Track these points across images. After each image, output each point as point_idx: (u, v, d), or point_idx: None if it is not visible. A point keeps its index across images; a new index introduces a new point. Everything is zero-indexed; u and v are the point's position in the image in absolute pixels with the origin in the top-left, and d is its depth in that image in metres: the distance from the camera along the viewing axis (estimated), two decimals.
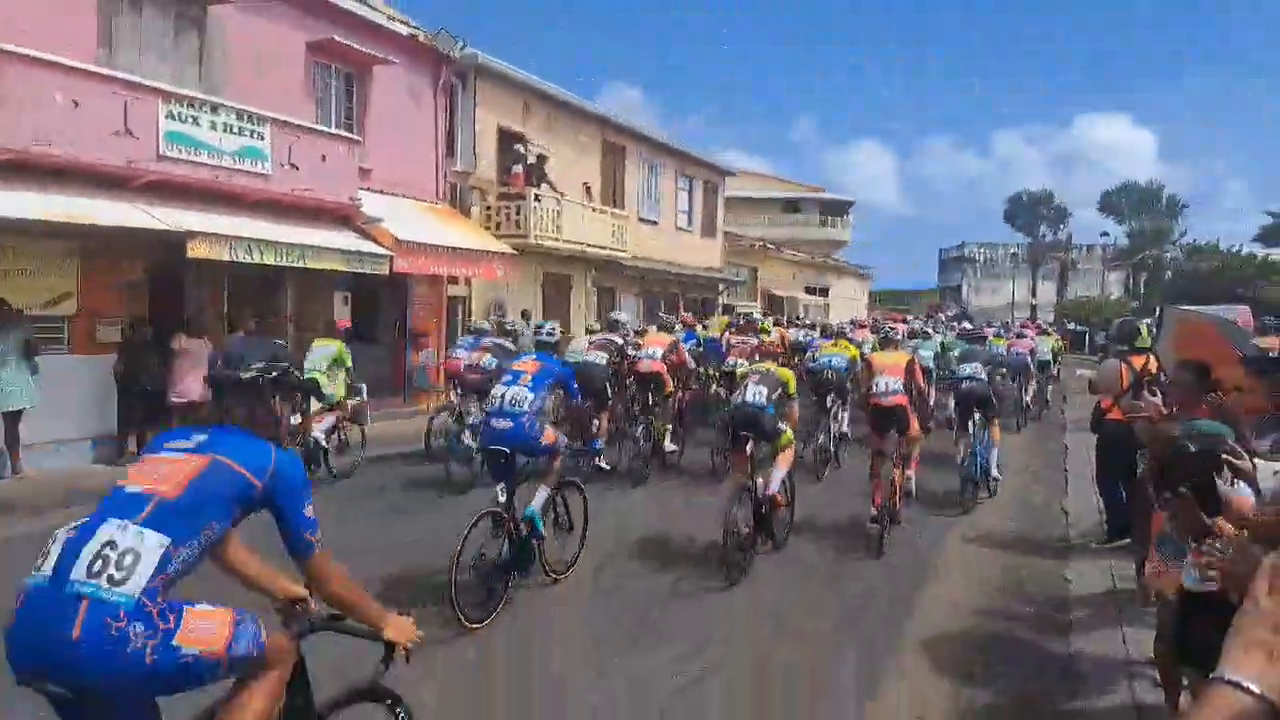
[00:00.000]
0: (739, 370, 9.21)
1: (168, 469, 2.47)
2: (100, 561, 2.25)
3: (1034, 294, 70.25)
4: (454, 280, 16.64)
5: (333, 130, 13.85)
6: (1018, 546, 8.04)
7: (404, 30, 16.00)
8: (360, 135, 14.46)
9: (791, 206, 49.29)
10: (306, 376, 9.81)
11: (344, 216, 13.63)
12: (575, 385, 7.08)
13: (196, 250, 10.49)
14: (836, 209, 51.40)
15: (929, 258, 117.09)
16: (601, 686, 4.76)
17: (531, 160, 18.74)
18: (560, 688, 4.71)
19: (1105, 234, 58.95)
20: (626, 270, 22.79)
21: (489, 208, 18.26)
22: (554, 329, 8.11)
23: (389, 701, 2.94)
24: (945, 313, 31.84)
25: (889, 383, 8.15)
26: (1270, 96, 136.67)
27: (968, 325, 20.31)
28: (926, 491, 9.61)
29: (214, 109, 11.29)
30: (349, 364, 10.45)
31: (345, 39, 14.28)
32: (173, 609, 2.28)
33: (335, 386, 10.33)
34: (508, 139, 18.88)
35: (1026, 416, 15.47)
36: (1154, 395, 5.56)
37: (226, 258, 10.95)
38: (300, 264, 12.03)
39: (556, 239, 18.81)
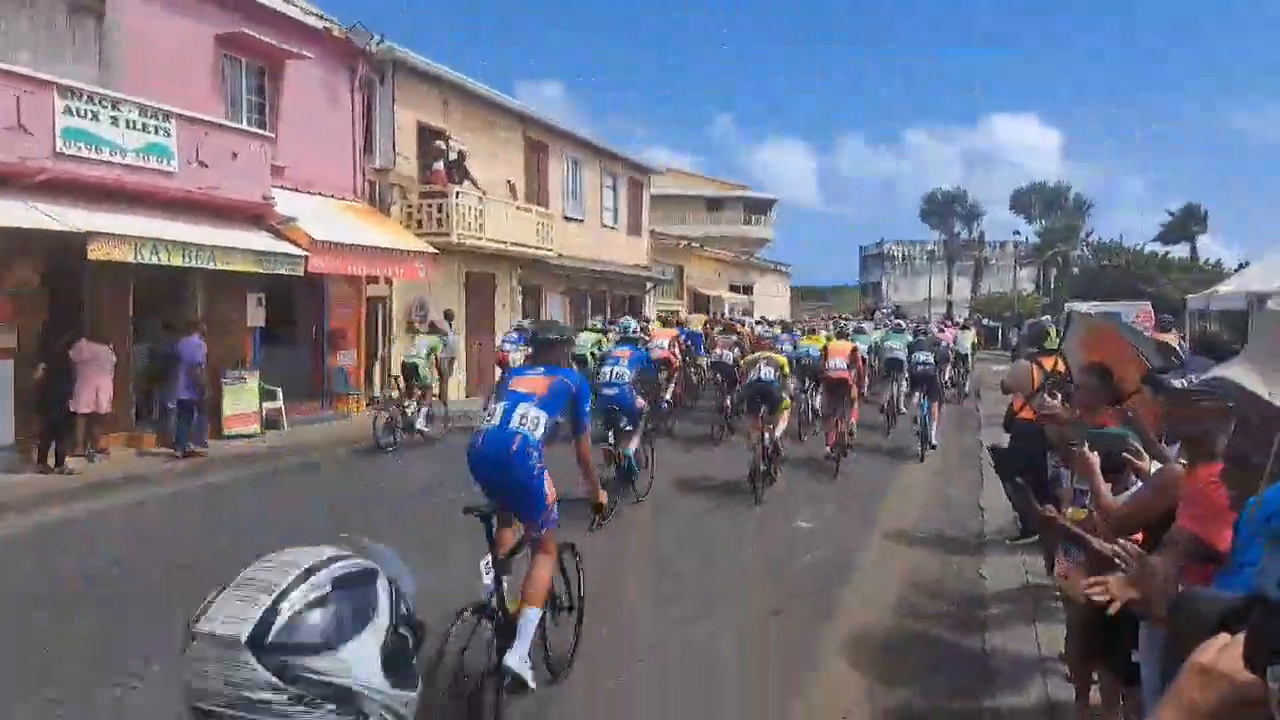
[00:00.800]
0: (747, 359, 11.53)
1: (535, 382, 4.83)
2: (522, 419, 4.64)
3: (950, 290, 72.33)
4: (374, 280, 16.26)
5: (244, 127, 13.39)
6: (936, 543, 8.23)
7: (318, 24, 15.55)
8: (273, 132, 14.02)
9: (715, 205, 49.70)
10: (409, 362, 13.31)
11: (256, 215, 13.18)
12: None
13: (97, 252, 10.02)
14: (759, 207, 52.04)
15: (847, 255, 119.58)
16: (678, 557, 7.65)
17: (453, 157, 18.44)
18: (651, 555, 7.73)
19: (1017, 232, 60.97)
20: (552, 269, 22.64)
21: (410, 206, 17.91)
22: (640, 327, 13.90)
23: (572, 545, 5.08)
24: (882, 311, 34.71)
25: (837, 363, 11.63)
26: (1168, 97, 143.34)
27: (900, 321, 22.89)
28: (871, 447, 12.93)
29: (115, 104, 10.79)
30: (439, 355, 13.64)
31: (256, 32, 13.81)
32: (542, 459, 4.64)
33: (431, 371, 13.40)
34: (428, 136, 18.53)
35: (943, 399, 15.90)
36: (1053, 398, 5.73)
37: (130, 259, 10.48)
38: (210, 265, 11.59)
39: (479, 237, 18.56)
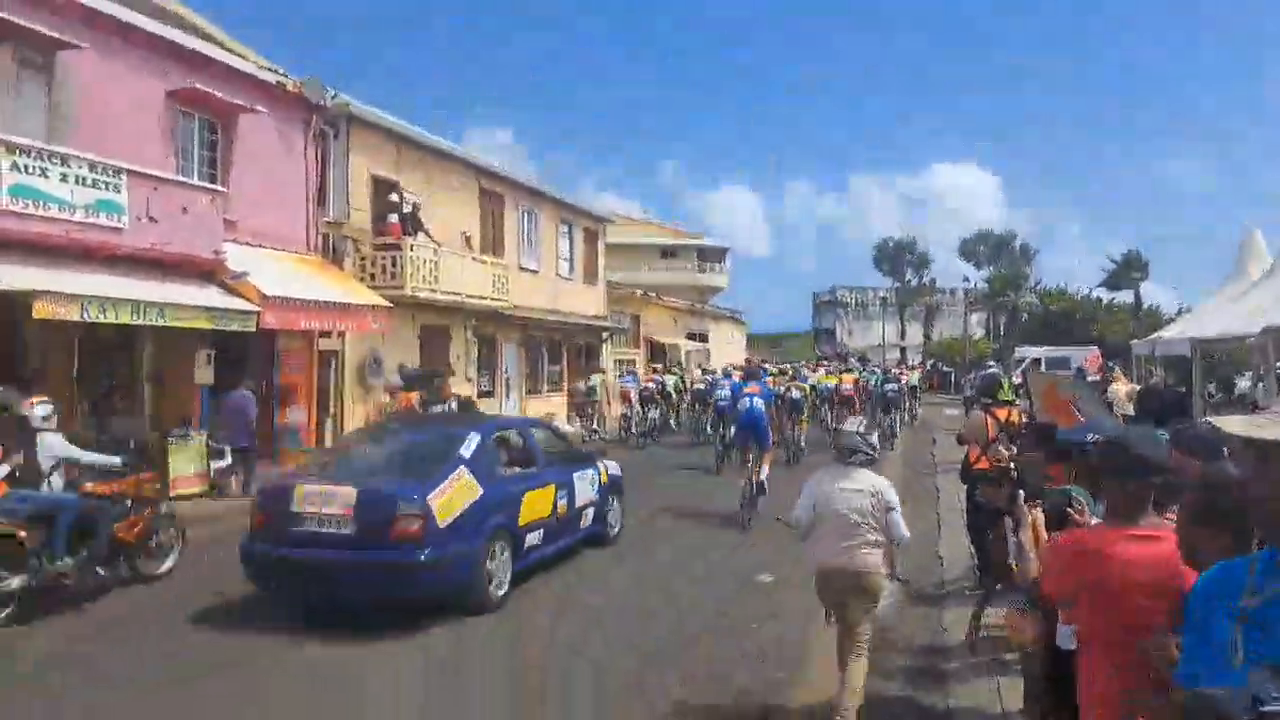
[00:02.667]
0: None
1: (754, 389, 13.25)
2: (750, 400, 12.96)
3: (903, 335, 73.55)
4: (326, 334, 16.08)
5: (195, 181, 13.27)
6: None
7: (271, 78, 15.54)
8: (225, 186, 13.89)
9: (670, 253, 50.24)
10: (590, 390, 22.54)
11: (207, 271, 13.00)
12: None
13: (43, 311, 9.79)
14: (713, 256, 52.68)
15: (799, 301, 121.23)
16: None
17: (407, 209, 18.41)
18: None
19: (966, 279, 62.41)
20: (508, 319, 22.59)
21: (363, 258, 17.80)
22: (768, 368, 20.12)
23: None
24: (852, 357, 43.32)
25: (847, 387, 22.00)
26: (1102, 146, 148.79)
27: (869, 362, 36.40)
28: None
29: (64, 160, 10.63)
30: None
31: (208, 87, 13.75)
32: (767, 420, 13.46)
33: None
34: (382, 187, 18.51)
35: (901, 423, 23.65)
36: (1007, 450, 5.82)
37: (76, 317, 10.26)
38: (160, 322, 11.38)
39: (434, 289, 18.48)
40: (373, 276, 17.56)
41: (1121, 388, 14.94)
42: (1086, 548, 2.82)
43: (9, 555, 7.09)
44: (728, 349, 45.02)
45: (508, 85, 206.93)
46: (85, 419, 12.14)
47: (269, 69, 15.72)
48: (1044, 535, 3.67)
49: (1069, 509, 3.53)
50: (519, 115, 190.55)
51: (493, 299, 20.78)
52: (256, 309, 12.94)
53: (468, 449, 8.03)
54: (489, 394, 22.61)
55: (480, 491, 7.77)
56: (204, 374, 13.31)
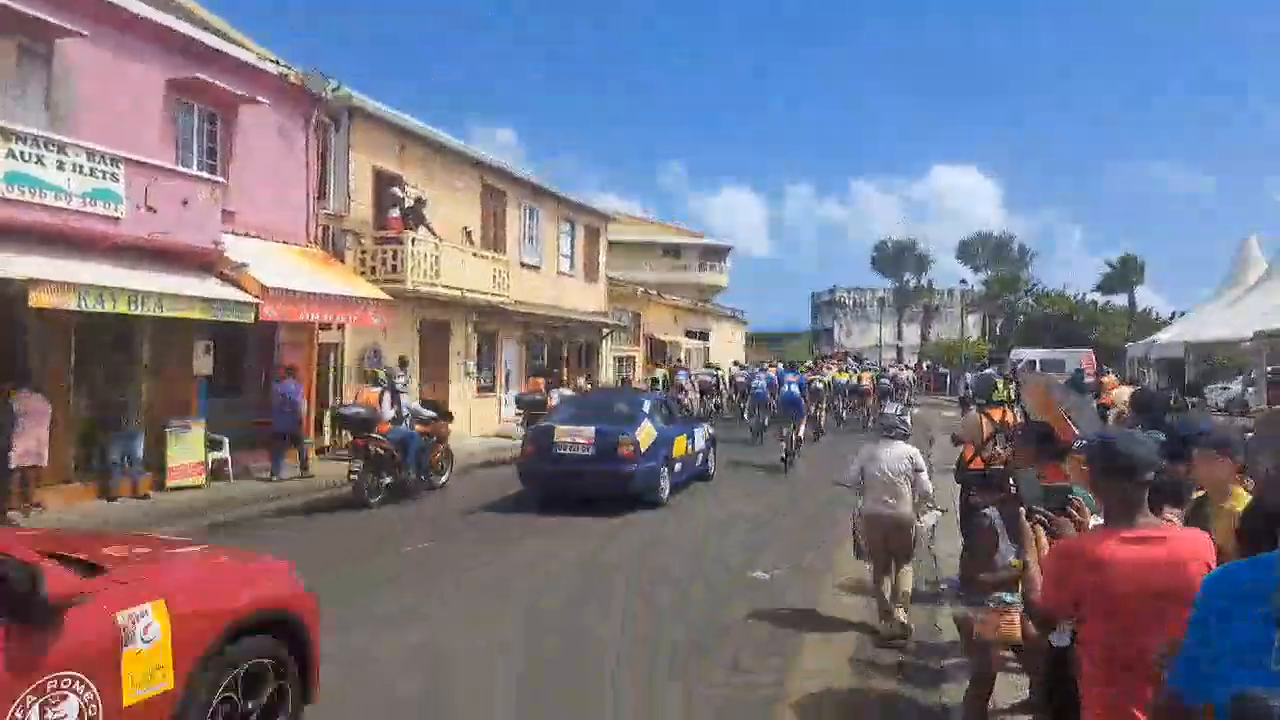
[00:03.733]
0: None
1: (793, 377, 19.81)
2: (790, 386, 18.56)
3: (900, 336, 73.60)
4: (326, 327, 16.06)
5: (194, 172, 13.23)
6: (903, 630, 8.22)
7: (273, 69, 15.50)
8: (225, 177, 13.85)
9: (672, 252, 50.17)
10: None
11: (206, 262, 12.97)
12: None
13: (40, 300, 9.76)
14: (715, 254, 52.62)
15: (797, 301, 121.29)
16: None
17: (410, 203, 18.39)
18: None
19: (964, 281, 62.46)
20: (509, 315, 22.58)
21: (364, 252, 17.79)
22: (800, 365, 26.36)
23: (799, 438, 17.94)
24: (852, 357, 45.57)
25: (865, 384, 27.78)
26: (1101, 152, 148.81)
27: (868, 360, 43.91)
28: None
29: (61, 148, 10.59)
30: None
31: (210, 77, 13.72)
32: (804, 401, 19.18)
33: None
34: (384, 181, 18.49)
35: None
36: (1003, 450, 5.81)
37: (74, 306, 10.22)
38: (157, 313, 11.35)
39: (434, 284, 18.46)
40: (373, 270, 17.54)
41: (1126, 391, 15.04)
42: (1084, 555, 2.81)
43: (388, 464, 12.40)
44: (728, 348, 45.01)
45: (508, 86, 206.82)
46: (81, 408, 12.12)
47: (271, 60, 15.67)
48: (1045, 545, 3.65)
49: (1069, 508, 3.51)
50: (518, 117, 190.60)
51: (493, 294, 20.77)
52: (256, 300, 12.91)
53: (648, 408, 13.36)
54: (489, 389, 22.61)
55: (656, 434, 12.71)
56: (203, 364, 13.29)
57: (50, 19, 11.21)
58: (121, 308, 10.76)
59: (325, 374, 16.63)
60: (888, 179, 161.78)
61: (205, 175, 13.29)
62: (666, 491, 12.77)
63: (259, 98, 14.75)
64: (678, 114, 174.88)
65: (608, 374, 29.80)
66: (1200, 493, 3.97)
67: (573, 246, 27.84)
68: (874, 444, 7.33)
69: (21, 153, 10.11)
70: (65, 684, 3.27)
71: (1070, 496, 3.36)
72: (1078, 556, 2.83)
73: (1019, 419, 7.33)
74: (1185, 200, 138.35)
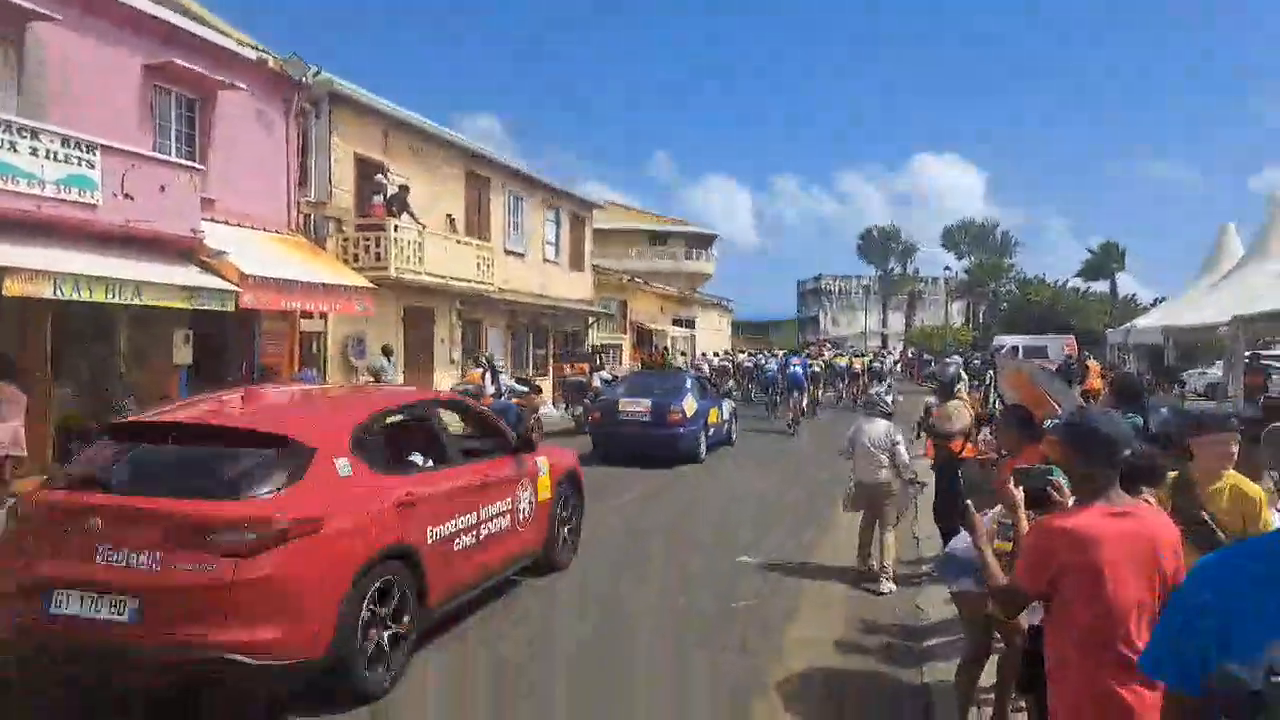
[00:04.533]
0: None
1: (797, 360, 24.97)
2: (795, 368, 23.61)
3: (885, 323, 73.86)
4: (308, 315, 15.93)
5: (172, 158, 13.06)
6: (873, 575, 8.26)
7: (252, 54, 15.31)
8: (204, 164, 13.70)
9: (657, 239, 50.02)
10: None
11: (185, 249, 12.82)
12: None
13: (13, 288, 9.61)
14: (701, 242, 52.50)
15: (783, 290, 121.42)
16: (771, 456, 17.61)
17: (393, 190, 18.25)
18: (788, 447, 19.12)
19: (948, 268, 62.69)
20: (494, 302, 22.49)
21: (346, 239, 17.65)
22: (802, 352, 32.38)
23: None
24: (829, 345, 50.01)
25: (857, 368, 31.51)
26: (1082, 143, 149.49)
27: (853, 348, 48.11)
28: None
29: (34, 134, 10.41)
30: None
31: (187, 62, 13.53)
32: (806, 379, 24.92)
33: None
34: (367, 168, 18.34)
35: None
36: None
37: (50, 295, 10.08)
38: (136, 301, 11.22)
39: (418, 271, 18.35)
40: (356, 258, 17.41)
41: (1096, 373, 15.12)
42: (1068, 530, 2.80)
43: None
44: (714, 336, 45.06)
45: (493, 76, 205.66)
46: (60, 399, 11.98)
47: (249, 45, 15.48)
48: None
49: (1049, 489, 3.51)
50: (502, 102, 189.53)
51: (478, 282, 20.66)
52: (236, 288, 12.79)
53: (689, 385, 16.82)
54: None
55: (697, 405, 16.15)
56: (182, 354, 13.16)
57: (22, 1, 11.03)
58: (99, 296, 10.63)
59: (310, 363, 16.50)
60: (872, 168, 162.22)
61: (183, 162, 13.12)
62: (704, 450, 16.18)
63: (237, 83, 14.58)
64: (662, 104, 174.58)
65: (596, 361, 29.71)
66: (1174, 474, 3.95)
67: (558, 234, 27.73)
68: (863, 419, 8.56)
69: None
70: (526, 483, 7.53)
71: (1050, 478, 3.35)
72: (1061, 534, 2.82)
73: (979, 406, 7.58)
74: (1168, 191, 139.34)
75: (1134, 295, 52.45)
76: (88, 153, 11.00)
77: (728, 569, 8.46)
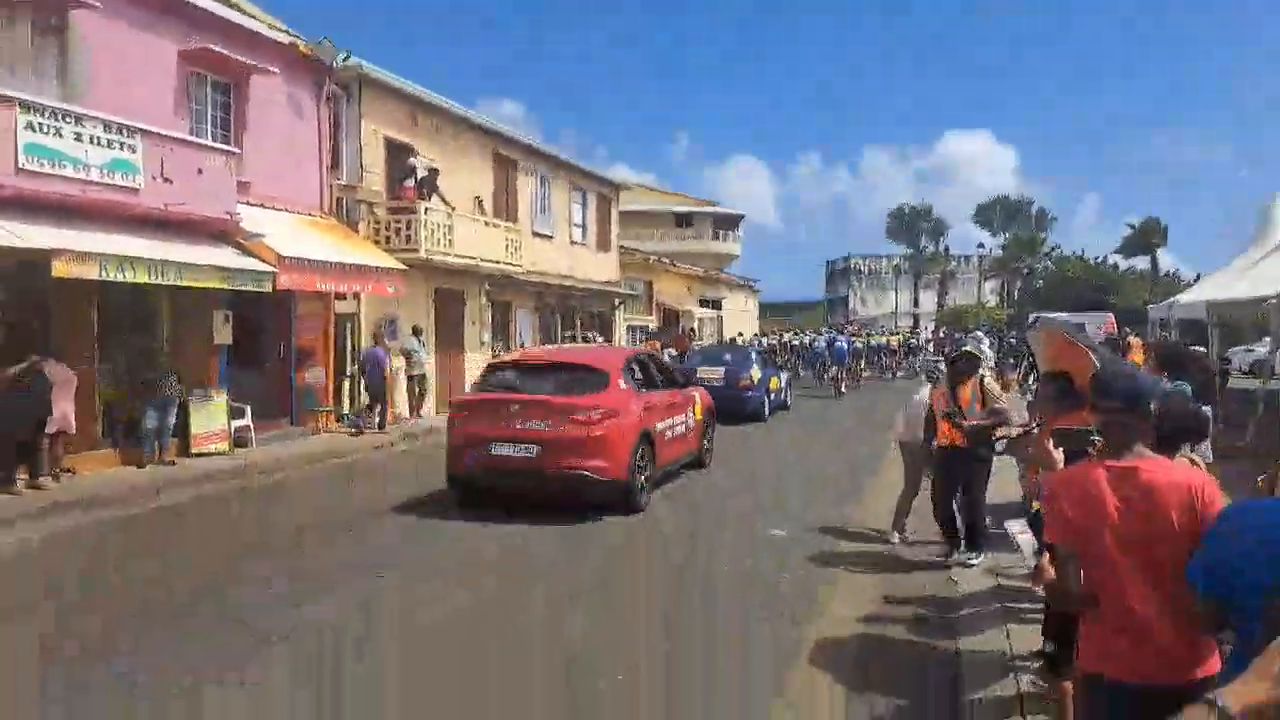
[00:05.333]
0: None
1: (843, 338, 30.87)
2: (840, 344, 28.63)
3: (916, 304, 73.14)
4: (341, 297, 16.16)
5: (209, 142, 13.28)
6: (906, 552, 8.32)
7: (284, 39, 15.49)
8: (238, 147, 13.91)
9: (684, 221, 49.91)
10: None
11: (222, 232, 13.07)
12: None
13: (62, 270, 9.88)
14: (727, 223, 52.34)
15: (811, 271, 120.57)
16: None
17: (423, 173, 18.39)
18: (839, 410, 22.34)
19: (981, 245, 61.83)
20: (522, 284, 22.63)
21: (377, 222, 17.83)
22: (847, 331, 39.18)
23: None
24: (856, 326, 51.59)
25: (894, 344, 38.33)
26: (1118, 117, 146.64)
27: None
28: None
29: (78, 120, 10.66)
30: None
31: (221, 48, 13.73)
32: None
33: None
34: (396, 151, 18.50)
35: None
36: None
37: (95, 276, 10.34)
38: (177, 282, 11.47)
39: (448, 253, 18.51)
40: (387, 240, 17.59)
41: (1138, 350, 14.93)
42: (1075, 485, 2.80)
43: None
44: (741, 317, 44.96)
45: (516, 58, 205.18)
46: (106, 377, 12.27)
47: (280, 30, 15.66)
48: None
49: (1090, 450, 3.53)
50: (526, 87, 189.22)
51: (506, 263, 20.80)
52: (273, 270, 13.01)
53: (754, 356, 20.39)
54: None
55: (761, 373, 19.39)
56: (223, 335, 13.43)
57: None
58: (141, 277, 10.88)
59: (343, 344, 16.75)
60: (900, 146, 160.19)
61: (219, 146, 13.35)
62: (768, 412, 19.38)
63: (270, 68, 14.76)
64: (686, 85, 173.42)
65: (622, 342, 29.82)
66: None
67: (584, 216, 27.79)
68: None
69: (39, 124, 10.19)
70: (690, 408, 11.94)
71: (1091, 439, 3.35)
72: (1068, 487, 2.83)
73: (981, 387, 7.49)
74: (1210, 169, 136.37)
75: (1175, 271, 51.51)
76: (129, 138, 11.24)
77: (799, 483, 12.16)
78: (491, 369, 10.69)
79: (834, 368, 27.16)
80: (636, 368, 10.79)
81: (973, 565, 7.49)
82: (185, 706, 4.86)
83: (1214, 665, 2.58)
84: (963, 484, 7.76)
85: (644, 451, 9.86)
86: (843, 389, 25.99)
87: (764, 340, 34.99)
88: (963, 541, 7.78)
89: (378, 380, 16.07)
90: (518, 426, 9.29)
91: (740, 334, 36.82)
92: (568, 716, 4.88)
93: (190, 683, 5.11)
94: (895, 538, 8.52)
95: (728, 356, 20.06)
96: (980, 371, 7.81)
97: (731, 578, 7.40)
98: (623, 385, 9.89)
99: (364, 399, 16.52)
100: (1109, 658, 2.72)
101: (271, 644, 5.76)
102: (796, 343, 35.28)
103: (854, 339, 32.33)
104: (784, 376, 21.94)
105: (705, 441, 12.53)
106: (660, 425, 10.51)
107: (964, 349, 8.33)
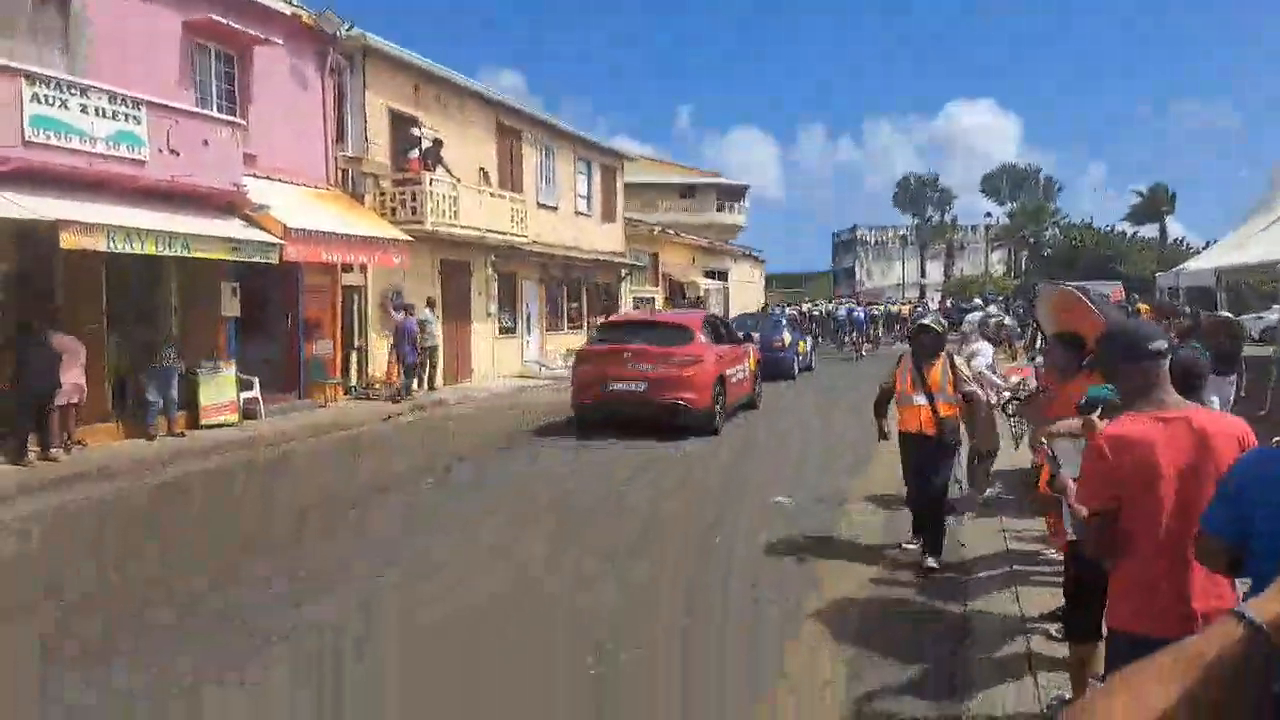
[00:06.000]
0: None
1: (859, 309, 35.71)
2: (857, 313, 34.44)
3: (923, 274, 72.89)
4: (348, 268, 16.17)
5: (214, 114, 13.24)
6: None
7: (287, 10, 15.37)
8: (243, 119, 13.86)
9: (689, 192, 49.65)
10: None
11: (229, 203, 13.06)
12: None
13: (69, 241, 9.89)
14: (732, 194, 52.05)
15: (817, 241, 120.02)
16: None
17: (428, 144, 18.32)
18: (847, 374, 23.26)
19: (988, 214, 61.41)
20: (527, 255, 22.60)
21: (383, 193, 17.80)
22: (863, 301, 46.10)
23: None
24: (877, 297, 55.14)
25: (905, 311, 38.31)
26: (1123, 86, 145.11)
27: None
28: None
29: (84, 92, 10.63)
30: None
31: (224, 18, 13.64)
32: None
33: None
34: (400, 123, 18.41)
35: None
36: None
37: (103, 247, 10.36)
38: (184, 253, 11.49)
39: (454, 224, 18.48)
40: (393, 211, 17.57)
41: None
42: (1118, 436, 2.74)
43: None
44: (747, 288, 44.84)
45: (517, 28, 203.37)
46: (115, 349, 12.32)
47: (284, 0, 15.53)
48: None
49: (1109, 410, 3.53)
50: (526, 54, 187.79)
51: (512, 234, 20.76)
52: (279, 241, 13.02)
53: (785, 323, 23.81)
54: (511, 331, 22.75)
55: (792, 337, 22.39)
56: (231, 307, 13.46)
57: None
58: (149, 248, 10.89)
59: (350, 316, 16.79)
60: (903, 117, 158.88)
61: (225, 117, 13.31)
62: (797, 370, 22.06)
63: (273, 38, 14.67)
64: (687, 56, 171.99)
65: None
66: None
67: (589, 187, 27.68)
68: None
69: (45, 96, 10.16)
70: (746, 360, 15.25)
71: (1111, 398, 3.34)
72: (1112, 441, 2.75)
73: (1029, 350, 7.41)
74: (1215, 137, 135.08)
75: (1183, 239, 51.17)
76: (135, 109, 11.21)
77: (835, 418, 14.38)
78: (604, 326, 15.57)
79: (854, 334, 31.34)
80: (710, 326, 14.09)
81: (911, 549, 7.00)
82: (185, 702, 4.94)
83: None
84: (929, 472, 6.92)
85: (719, 389, 12.93)
86: (862, 352, 29.37)
87: (787, 310, 36.22)
88: (910, 530, 7.19)
89: (410, 350, 16.54)
90: (629, 368, 12.57)
91: (763, 303, 40.44)
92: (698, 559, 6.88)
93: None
94: (979, 497, 8.10)
95: (762, 322, 22.87)
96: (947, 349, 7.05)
97: (788, 479, 9.99)
98: (702, 339, 13.15)
99: (398, 373, 16.73)
100: (1145, 615, 2.69)
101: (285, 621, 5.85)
102: (817, 313, 38.59)
103: (871, 308, 36.47)
104: (810, 340, 25.32)
105: (756, 388, 15.72)
106: (728, 371, 13.54)
107: (921, 321, 7.20)
